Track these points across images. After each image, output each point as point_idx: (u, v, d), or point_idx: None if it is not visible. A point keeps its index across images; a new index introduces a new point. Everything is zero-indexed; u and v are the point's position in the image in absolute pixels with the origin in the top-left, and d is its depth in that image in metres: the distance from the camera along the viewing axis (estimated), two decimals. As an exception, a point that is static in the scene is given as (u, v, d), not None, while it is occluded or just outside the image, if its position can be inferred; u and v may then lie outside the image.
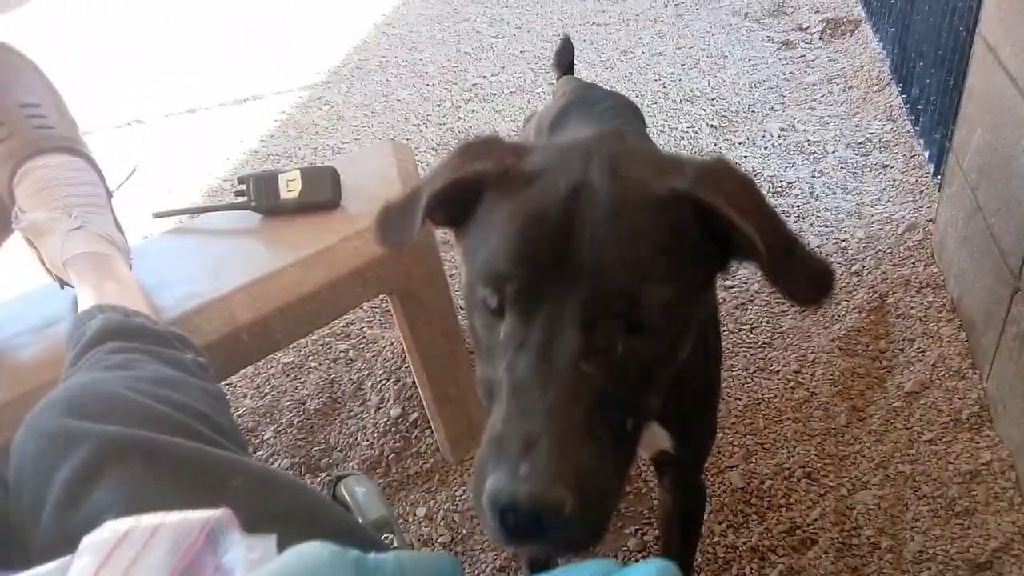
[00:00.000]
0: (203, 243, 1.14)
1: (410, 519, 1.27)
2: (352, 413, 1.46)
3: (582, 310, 0.50)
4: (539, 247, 0.51)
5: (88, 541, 0.37)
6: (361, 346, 1.63)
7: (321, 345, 1.63)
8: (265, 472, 0.57)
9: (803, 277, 0.55)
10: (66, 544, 0.52)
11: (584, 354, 0.49)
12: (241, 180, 1.16)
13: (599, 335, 0.50)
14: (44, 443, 0.57)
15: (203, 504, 0.44)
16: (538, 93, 2.49)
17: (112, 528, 0.39)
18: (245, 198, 1.16)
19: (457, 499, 1.27)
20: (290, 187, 1.15)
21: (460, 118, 2.40)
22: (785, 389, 1.36)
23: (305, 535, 0.38)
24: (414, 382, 1.50)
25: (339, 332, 1.66)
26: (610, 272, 0.50)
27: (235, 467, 0.56)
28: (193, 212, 1.19)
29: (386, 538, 0.81)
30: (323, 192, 1.15)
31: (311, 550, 0.34)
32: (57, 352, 0.94)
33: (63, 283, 0.93)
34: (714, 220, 0.54)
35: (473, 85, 2.59)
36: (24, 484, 0.56)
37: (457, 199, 0.59)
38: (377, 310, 1.70)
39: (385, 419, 1.42)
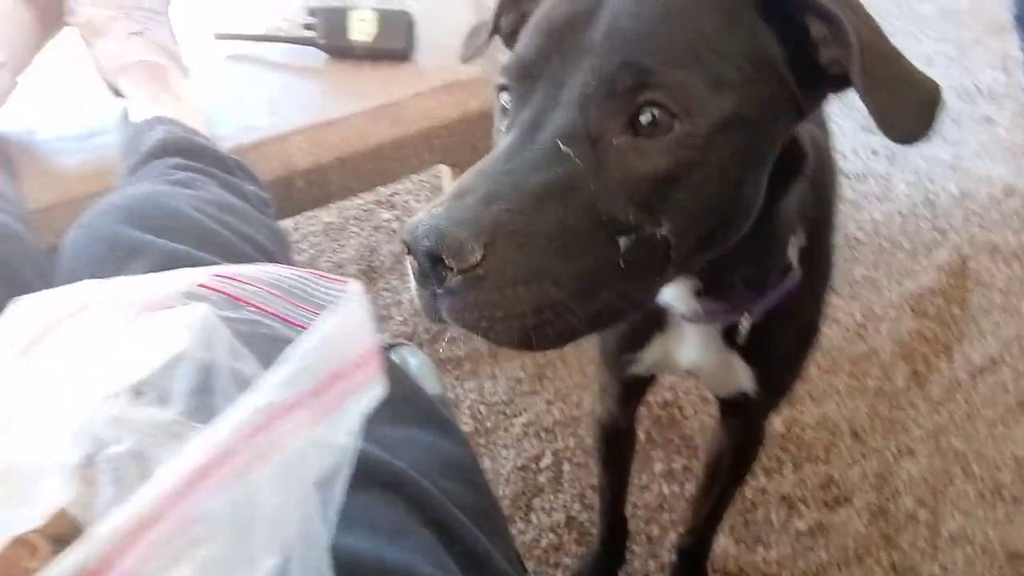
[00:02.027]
0: (263, 74, 1.05)
1: (434, 402, 1.23)
2: (389, 285, 1.41)
3: (578, 86, 0.43)
4: (555, 25, 0.45)
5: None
6: (405, 219, 1.55)
7: (364, 210, 1.56)
8: None
9: (903, 90, 0.43)
10: None
11: (569, 135, 0.42)
12: (311, 12, 1.06)
13: (592, 118, 0.43)
14: (102, 249, 0.52)
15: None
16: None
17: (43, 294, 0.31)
18: (313, 33, 1.05)
19: (485, 390, 1.23)
20: (362, 28, 1.05)
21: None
22: (845, 340, 1.28)
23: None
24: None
25: (384, 200, 1.58)
26: (621, 42, 0.43)
27: None
28: (256, 39, 1.09)
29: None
30: (396, 39, 1.05)
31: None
32: (103, 163, 0.87)
33: (117, 91, 0.85)
34: (785, 15, 0.44)
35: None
36: None
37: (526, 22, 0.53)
38: (426, 184, 1.62)
39: (422, 296, 1.36)
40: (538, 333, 0.42)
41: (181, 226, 0.53)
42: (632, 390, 0.82)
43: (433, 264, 0.39)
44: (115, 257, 0.51)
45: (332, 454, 0.24)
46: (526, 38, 0.47)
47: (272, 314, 0.30)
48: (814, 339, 0.73)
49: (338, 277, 0.35)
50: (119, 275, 0.50)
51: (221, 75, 1.04)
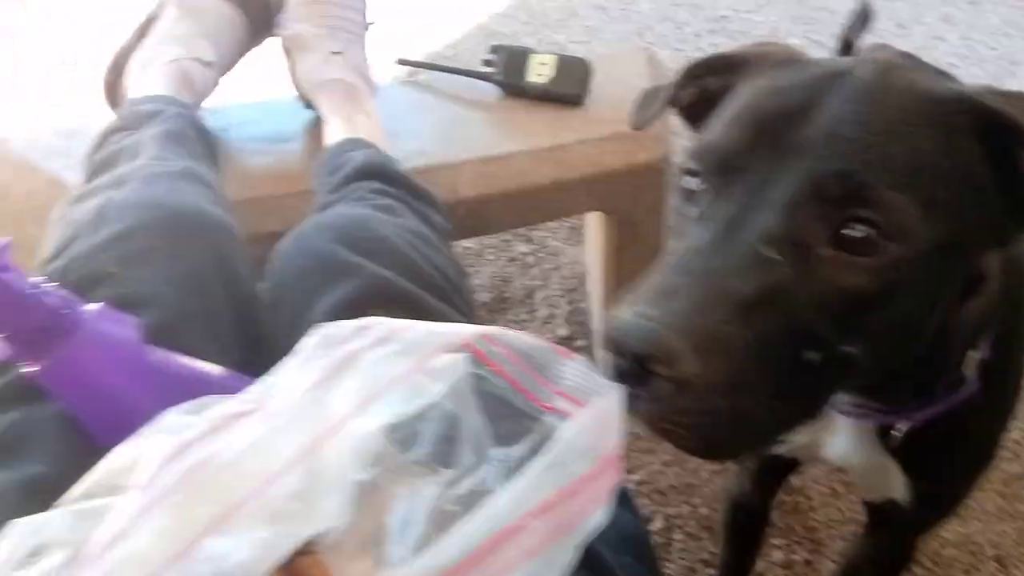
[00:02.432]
0: (438, 103, 1.09)
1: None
2: (518, 318, 1.41)
3: (787, 189, 0.41)
4: (764, 117, 0.44)
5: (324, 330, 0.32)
6: (541, 255, 1.56)
7: (503, 240, 1.58)
8: None
9: None
10: None
11: (773, 239, 0.40)
12: (493, 50, 1.09)
13: (799, 224, 0.41)
14: (312, 263, 0.54)
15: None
16: (791, 43, 2.25)
17: (347, 322, 0.33)
18: (492, 69, 1.08)
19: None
20: (540, 71, 1.07)
21: (699, 48, 2.22)
22: (1000, 458, 1.19)
23: None
24: (589, 310, 1.43)
25: (522, 233, 1.60)
26: (838, 150, 0.41)
27: None
28: (436, 68, 1.13)
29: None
30: (572, 85, 1.06)
31: None
32: (285, 167, 0.92)
33: (310, 105, 0.90)
34: (1006, 156, 0.42)
35: (722, 16, 2.39)
36: (284, 297, 0.55)
37: (707, 99, 0.53)
38: (566, 223, 1.62)
39: (550, 336, 1.36)
40: (727, 443, 0.41)
41: (386, 252, 0.55)
42: (771, 471, 0.79)
43: (638, 365, 0.38)
44: (324, 273, 0.53)
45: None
46: (726, 126, 0.46)
47: (517, 386, 0.30)
48: (987, 460, 0.67)
49: (568, 352, 0.36)
50: (326, 290, 0.53)
51: (398, 99, 1.09)
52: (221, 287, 0.54)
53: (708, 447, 0.40)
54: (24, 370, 0.43)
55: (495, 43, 1.10)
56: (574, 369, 0.33)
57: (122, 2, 2.08)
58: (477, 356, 0.30)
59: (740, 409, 0.40)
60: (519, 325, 1.40)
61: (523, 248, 1.57)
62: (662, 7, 2.44)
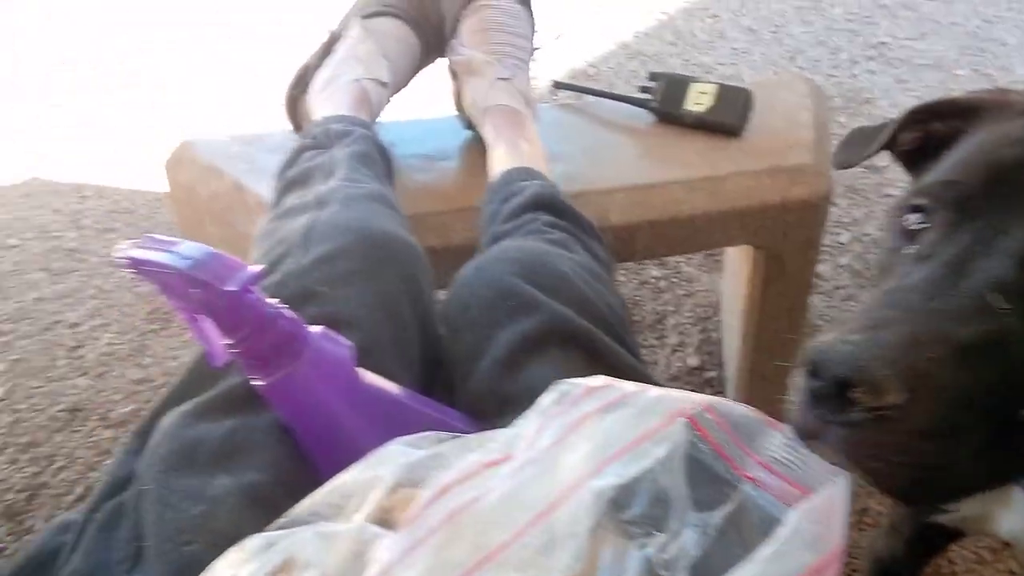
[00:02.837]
0: (591, 126, 1.10)
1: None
2: (646, 343, 1.40)
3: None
4: (1003, 166, 0.43)
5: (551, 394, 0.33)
6: (674, 280, 1.55)
7: (635, 263, 1.57)
8: None
9: None
10: (495, 403, 0.51)
11: (1003, 287, 0.39)
12: (653, 77, 1.09)
13: None
14: (495, 295, 0.56)
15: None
16: (958, 75, 2.13)
17: (581, 382, 0.34)
18: (648, 95, 1.08)
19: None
20: (699, 100, 1.06)
21: (854, 75, 2.13)
22: None
23: None
24: (722, 341, 1.40)
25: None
26: None
27: None
28: (591, 93, 1.14)
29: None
30: (731, 115, 1.05)
31: None
32: (443, 185, 0.95)
33: (470, 126, 0.93)
34: None
35: (881, 43, 2.28)
36: (465, 327, 0.57)
37: (930, 143, 0.53)
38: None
39: (680, 364, 1.34)
40: (926, 488, 0.40)
41: (565, 289, 0.57)
42: (928, 539, 0.74)
43: (839, 392, 0.38)
44: (505, 306, 0.55)
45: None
46: (961, 168, 0.45)
47: (720, 452, 0.30)
48: None
49: (776, 423, 0.35)
50: (508, 323, 0.54)
51: (549, 121, 1.10)
52: (411, 312, 0.57)
53: (908, 490, 0.39)
54: (253, 383, 0.46)
55: (654, 70, 1.10)
56: (780, 441, 0.33)
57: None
58: (689, 420, 0.30)
59: (948, 455, 0.38)
60: (647, 351, 1.38)
61: (656, 272, 1.56)
62: (816, 31, 2.35)
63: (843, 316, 1.48)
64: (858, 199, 1.75)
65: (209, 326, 0.45)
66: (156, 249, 0.44)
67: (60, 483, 1.18)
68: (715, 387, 1.30)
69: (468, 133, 1.02)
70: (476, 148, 1.01)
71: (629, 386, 0.31)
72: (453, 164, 1.00)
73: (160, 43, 2.24)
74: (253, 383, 0.47)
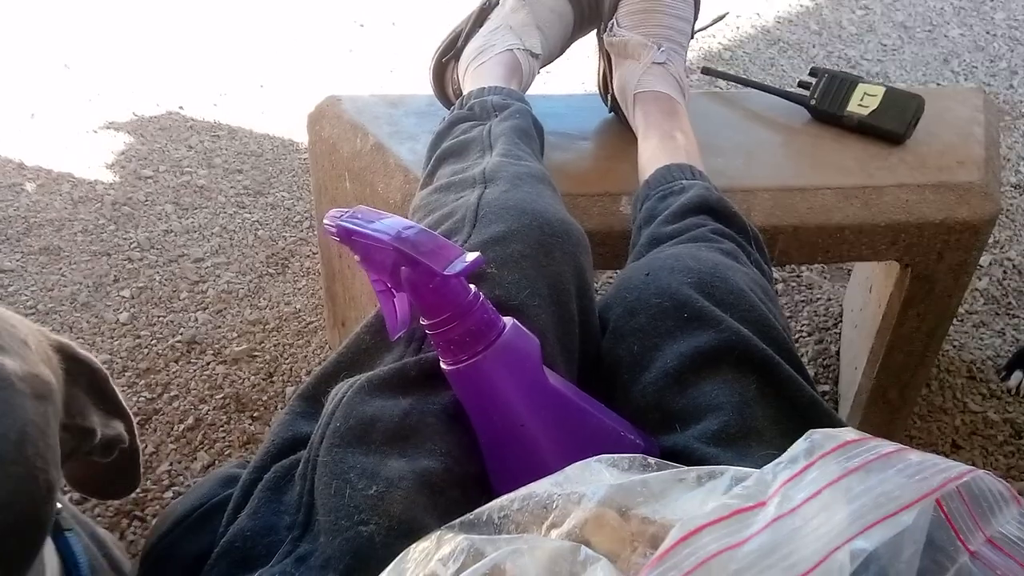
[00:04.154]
0: (743, 120, 1.04)
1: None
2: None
3: None
4: None
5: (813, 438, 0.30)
6: (792, 284, 1.48)
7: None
8: None
9: None
10: (659, 416, 0.49)
11: None
12: (813, 72, 1.02)
13: None
14: (668, 305, 0.54)
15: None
16: None
17: (836, 433, 0.31)
18: (807, 92, 1.02)
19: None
20: (863, 102, 0.99)
21: (1011, 87, 1.97)
22: None
23: None
24: (839, 354, 1.33)
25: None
26: None
27: None
28: (744, 83, 1.08)
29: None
30: (897, 122, 0.97)
31: None
32: (579, 167, 0.93)
33: (613, 108, 0.89)
34: None
35: (1048, 53, 2.10)
36: (631, 333, 0.54)
37: None
38: (829, 257, 1.52)
39: (795, 376, 1.28)
40: None
41: (742, 306, 0.54)
42: None
43: None
44: (679, 317, 0.52)
45: None
46: None
47: (949, 520, 0.27)
48: None
49: (1020, 496, 0.31)
50: (680, 336, 0.52)
51: (698, 110, 1.05)
52: (577, 304, 0.55)
53: None
54: (443, 365, 0.46)
55: (794, 60, 1.03)
56: (1016, 516, 0.29)
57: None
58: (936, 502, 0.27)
59: None
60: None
61: (775, 274, 1.49)
62: (976, 35, 2.18)
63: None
64: (1003, 220, 1.63)
65: (402, 301, 0.45)
66: (366, 220, 0.44)
67: (172, 411, 1.23)
68: (827, 402, 1.24)
69: (610, 114, 0.99)
70: (618, 132, 0.97)
71: (887, 445, 0.28)
72: (591, 146, 0.97)
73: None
74: (441, 366, 0.46)
